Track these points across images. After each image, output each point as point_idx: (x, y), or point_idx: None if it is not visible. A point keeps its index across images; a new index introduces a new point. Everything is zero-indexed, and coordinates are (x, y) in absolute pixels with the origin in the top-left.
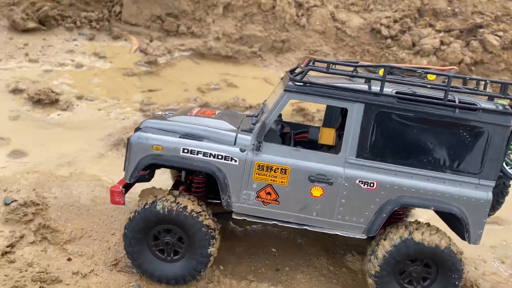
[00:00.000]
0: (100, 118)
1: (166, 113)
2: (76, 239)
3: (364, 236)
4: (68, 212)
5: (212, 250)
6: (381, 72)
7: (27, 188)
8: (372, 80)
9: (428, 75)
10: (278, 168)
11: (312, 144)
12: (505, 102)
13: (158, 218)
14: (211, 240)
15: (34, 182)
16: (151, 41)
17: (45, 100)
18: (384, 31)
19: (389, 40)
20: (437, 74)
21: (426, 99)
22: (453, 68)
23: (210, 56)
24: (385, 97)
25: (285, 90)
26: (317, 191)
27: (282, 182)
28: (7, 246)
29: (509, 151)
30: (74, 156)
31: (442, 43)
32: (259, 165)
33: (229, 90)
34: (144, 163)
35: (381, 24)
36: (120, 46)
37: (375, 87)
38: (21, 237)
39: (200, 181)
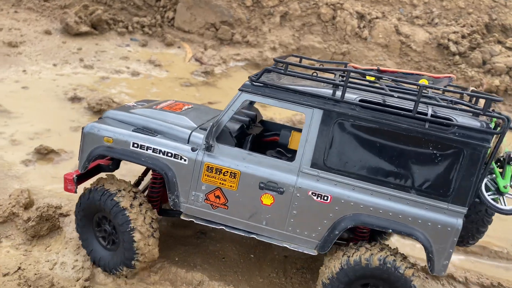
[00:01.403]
0: None
1: (135, 104)
2: None
3: (315, 253)
4: None
5: (139, 245)
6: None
7: None
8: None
9: (421, 82)
10: (227, 172)
11: (283, 148)
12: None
13: (96, 206)
14: (134, 234)
15: None
16: (205, 49)
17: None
18: (453, 47)
19: (457, 57)
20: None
21: (392, 109)
22: (449, 77)
23: (265, 66)
24: (346, 105)
25: (239, 90)
26: (267, 199)
27: (231, 186)
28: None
29: (490, 176)
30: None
31: None
32: (208, 166)
33: None
34: (95, 154)
35: (448, 40)
36: (174, 54)
37: (343, 94)
38: None
39: (157, 177)
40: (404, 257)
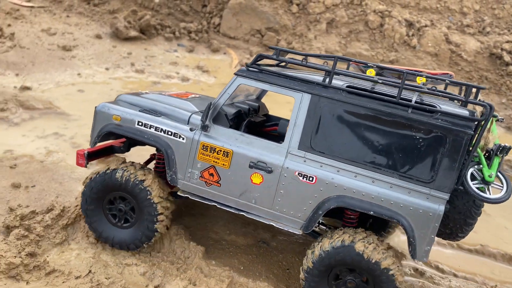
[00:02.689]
0: None
1: (148, 92)
2: None
3: (300, 232)
4: None
5: (159, 226)
6: (371, 72)
7: None
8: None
9: (418, 78)
10: (221, 151)
11: (281, 138)
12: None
13: (116, 185)
14: (158, 217)
15: None
16: (251, 56)
17: None
18: (506, 57)
19: (511, 67)
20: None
21: (378, 95)
22: (447, 73)
23: None
24: (333, 90)
25: (235, 74)
26: (257, 178)
27: (224, 165)
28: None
29: (477, 166)
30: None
31: None
32: (204, 145)
33: None
34: (104, 130)
35: (502, 49)
36: (220, 60)
37: (334, 81)
38: None
39: (161, 158)
40: (388, 247)
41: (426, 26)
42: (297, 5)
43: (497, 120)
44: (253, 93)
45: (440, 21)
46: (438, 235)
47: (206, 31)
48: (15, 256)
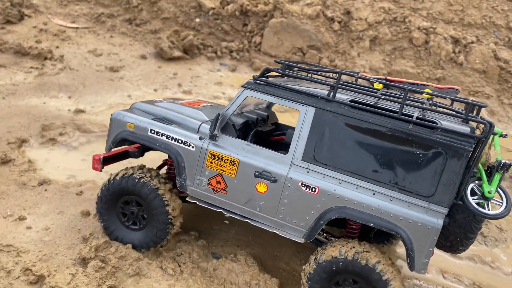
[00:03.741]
0: None
1: (162, 100)
2: None
3: (302, 241)
4: None
5: (170, 227)
6: (378, 86)
7: None
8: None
9: (425, 93)
10: (228, 159)
11: (288, 146)
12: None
13: (130, 189)
14: (169, 218)
15: None
16: None
17: None
18: None
19: None
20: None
21: (380, 110)
22: (454, 88)
23: None
24: (337, 104)
25: (243, 86)
26: (262, 187)
27: (230, 173)
28: None
29: (477, 182)
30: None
31: None
32: (212, 154)
33: None
34: (119, 137)
35: None
36: None
37: (338, 95)
38: None
39: (172, 163)
40: (387, 258)
41: (472, 42)
42: (339, 22)
43: (501, 136)
44: (263, 102)
45: (485, 36)
46: (439, 248)
47: (247, 50)
48: None
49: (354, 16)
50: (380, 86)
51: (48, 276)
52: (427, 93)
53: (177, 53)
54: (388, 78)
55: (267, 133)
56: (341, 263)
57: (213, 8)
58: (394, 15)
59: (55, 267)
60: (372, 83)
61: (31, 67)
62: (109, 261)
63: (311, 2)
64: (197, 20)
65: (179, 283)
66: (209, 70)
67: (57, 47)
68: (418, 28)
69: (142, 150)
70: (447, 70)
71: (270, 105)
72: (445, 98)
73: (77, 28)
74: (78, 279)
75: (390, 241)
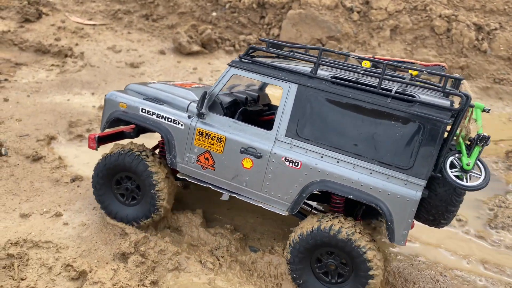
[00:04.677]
0: None
1: (155, 81)
2: None
3: (286, 213)
4: None
5: (161, 202)
6: (367, 64)
7: None
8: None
9: (410, 70)
10: (215, 137)
11: None
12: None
13: (123, 167)
14: (162, 194)
15: None
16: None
17: None
18: None
19: None
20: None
21: (360, 85)
22: (439, 65)
23: None
24: (318, 80)
25: (228, 64)
26: (247, 163)
27: (218, 150)
28: None
29: (457, 154)
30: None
31: None
32: (200, 131)
33: None
34: (112, 116)
35: None
36: None
37: (319, 71)
38: None
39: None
40: (366, 233)
41: (495, 29)
42: (358, 12)
43: (483, 111)
44: (256, 83)
45: (509, 23)
46: (422, 222)
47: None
48: (139, 285)
49: (374, 5)
50: (368, 64)
51: (90, 272)
52: (414, 69)
53: (195, 47)
54: (376, 56)
55: (257, 113)
56: (318, 236)
57: (230, 1)
58: (414, 4)
59: (95, 262)
60: (360, 62)
61: (52, 65)
62: (149, 256)
63: None
64: (214, 13)
65: (218, 277)
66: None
67: (77, 44)
68: (440, 16)
69: (138, 131)
70: (470, 58)
71: (263, 86)
72: (433, 75)
73: (94, 25)
74: (120, 275)
75: (379, 219)
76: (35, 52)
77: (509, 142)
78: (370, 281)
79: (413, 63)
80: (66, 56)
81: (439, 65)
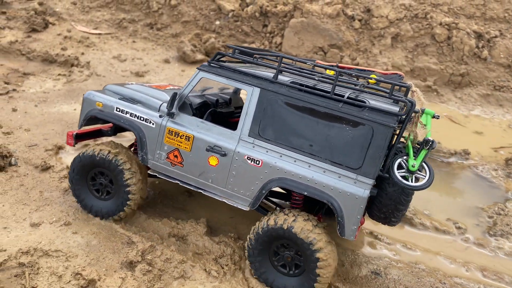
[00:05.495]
0: None
1: (133, 83)
2: None
3: (247, 209)
4: None
5: (133, 196)
6: (331, 72)
7: None
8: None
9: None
10: (183, 135)
11: None
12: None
13: (94, 162)
14: (133, 189)
15: None
16: None
17: None
18: None
19: None
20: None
21: (316, 90)
22: (397, 74)
23: None
24: (278, 85)
25: (197, 68)
26: (213, 161)
27: (186, 148)
28: None
29: (404, 156)
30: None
31: None
32: (170, 130)
33: None
34: (89, 114)
35: None
36: None
37: (282, 77)
38: None
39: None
40: (319, 227)
41: (496, 36)
42: (359, 20)
43: (433, 117)
44: (230, 87)
45: (509, 30)
46: (375, 219)
47: (271, 49)
48: None
49: (375, 13)
50: (332, 72)
51: (99, 280)
52: (373, 78)
53: (199, 56)
54: (340, 65)
55: (229, 114)
56: (273, 230)
57: (233, 10)
58: (415, 12)
59: (103, 271)
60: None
61: (59, 74)
62: (155, 264)
63: (330, 1)
64: (217, 22)
65: (223, 284)
66: None
67: (83, 53)
68: (440, 24)
69: (115, 129)
70: (471, 65)
71: (237, 90)
72: (382, 82)
73: (100, 34)
74: (128, 283)
75: None
76: (42, 62)
77: (509, 149)
78: (319, 271)
79: (373, 71)
80: (72, 65)
81: (397, 73)
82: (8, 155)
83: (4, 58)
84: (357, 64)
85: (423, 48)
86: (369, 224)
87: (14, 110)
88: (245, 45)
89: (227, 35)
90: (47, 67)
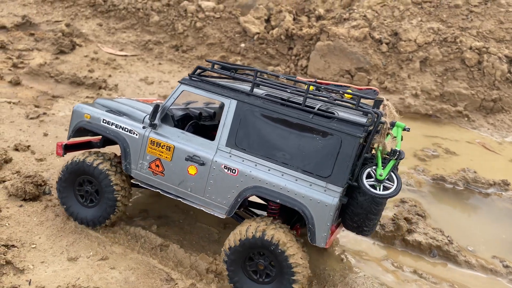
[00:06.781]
0: None
1: (122, 97)
2: None
3: (224, 216)
4: None
5: (118, 204)
6: (311, 87)
7: None
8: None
9: (346, 94)
10: (165, 145)
11: None
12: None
13: (81, 170)
14: (117, 196)
15: None
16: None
17: None
18: None
19: None
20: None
21: (288, 102)
22: (372, 89)
23: (407, 114)
24: (254, 98)
25: (179, 81)
26: (192, 170)
27: (167, 157)
28: None
29: (374, 166)
30: None
31: None
32: (152, 140)
33: (449, 158)
34: (78, 126)
35: None
36: None
37: (258, 90)
38: None
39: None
40: (292, 235)
41: None
42: (387, 44)
43: (404, 130)
44: (217, 102)
45: None
46: (349, 229)
47: (293, 73)
48: None
49: (403, 37)
50: (311, 88)
51: None
52: (348, 93)
53: None
54: (318, 81)
55: (212, 127)
56: (247, 238)
57: (258, 33)
58: (444, 36)
59: None
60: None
61: (87, 97)
62: None
63: (357, 24)
64: (242, 45)
65: None
66: None
67: (110, 75)
68: (470, 48)
69: (104, 141)
70: (503, 90)
71: (223, 104)
72: (366, 98)
73: (126, 55)
74: None
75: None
76: (70, 84)
77: None
78: (294, 278)
79: (349, 86)
80: (100, 88)
81: (371, 88)
82: (42, 183)
83: (33, 81)
84: (385, 88)
85: (453, 73)
86: (410, 261)
87: (45, 134)
88: (270, 68)
89: (252, 57)
90: (75, 90)
